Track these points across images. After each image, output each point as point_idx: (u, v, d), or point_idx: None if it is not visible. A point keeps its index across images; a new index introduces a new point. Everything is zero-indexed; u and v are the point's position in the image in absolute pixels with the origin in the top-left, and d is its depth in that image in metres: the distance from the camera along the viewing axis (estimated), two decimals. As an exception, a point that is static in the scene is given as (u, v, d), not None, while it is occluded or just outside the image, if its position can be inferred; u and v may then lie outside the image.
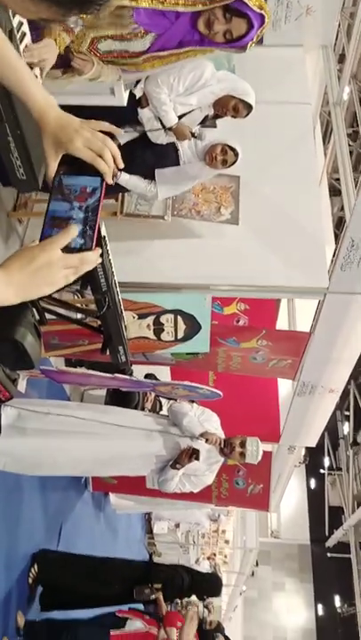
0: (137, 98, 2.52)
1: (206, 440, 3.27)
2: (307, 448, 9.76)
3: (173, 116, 2.64)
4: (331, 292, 3.10)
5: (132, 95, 2.49)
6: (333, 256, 3.26)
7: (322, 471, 13.58)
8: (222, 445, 3.54)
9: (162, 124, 2.65)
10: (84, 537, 5.09)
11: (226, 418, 3.76)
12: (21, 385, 3.60)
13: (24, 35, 1.30)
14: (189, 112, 2.72)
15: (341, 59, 5.43)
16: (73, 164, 0.94)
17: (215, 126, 3.62)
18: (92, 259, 0.84)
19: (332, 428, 12.60)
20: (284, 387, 4.68)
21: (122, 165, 0.94)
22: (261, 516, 11.25)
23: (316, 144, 4.26)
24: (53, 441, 3.12)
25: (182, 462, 3.24)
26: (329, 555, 12.43)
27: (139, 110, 2.60)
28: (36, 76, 1.43)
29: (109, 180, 0.94)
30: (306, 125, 3.93)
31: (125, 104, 2.25)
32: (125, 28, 1.74)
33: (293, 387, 4.03)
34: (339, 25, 4.28)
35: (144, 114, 2.64)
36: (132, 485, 5.03)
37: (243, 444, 3.52)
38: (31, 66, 1.44)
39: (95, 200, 0.89)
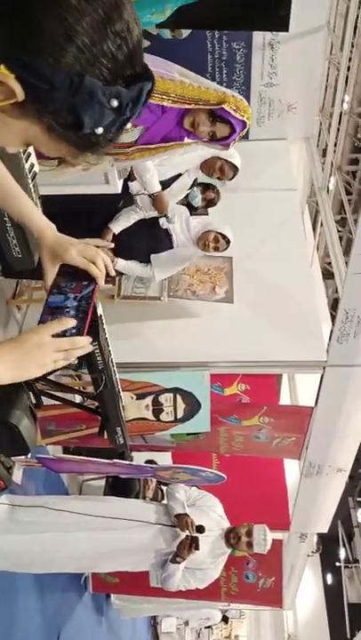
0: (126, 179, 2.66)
1: (178, 521, 3.10)
2: (320, 537, 9.25)
3: (156, 184, 2.77)
4: (330, 366, 3.09)
5: (126, 186, 2.64)
6: (331, 332, 3.28)
7: (338, 564, 12.75)
8: (228, 536, 3.36)
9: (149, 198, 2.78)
10: (85, 645, 4.68)
11: (231, 504, 3.61)
12: (17, 475, 3.47)
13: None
14: (178, 176, 2.86)
15: (325, 152, 5.82)
16: (68, 274, 1.02)
17: (207, 214, 3.81)
18: (82, 343, 0.88)
19: (345, 516, 11.99)
20: (291, 470, 4.52)
21: (113, 273, 1.03)
22: (277, 617, 10.42)
23: (305, 228, 4.44)
24: (50, 535, 2.97)
25: (182, 555, 3.06)
26: (353, 661, 11.36)
27: (129, 183, 2.76)
28: (30, 154, 1.51)
29: (101, 283, 1.02)
30: (293, 210, 4.13)
31: (120, 191, 2.37)
32: None
33: (300, 468, 3.89)
34: (321, 123, 4.61)
35: (133, 186, 2.79)
36: (135, 584, 4.70)
37: (249, 533, 3.35)
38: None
39: (89, 292, 0.97)
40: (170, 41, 3.49)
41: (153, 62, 1.89)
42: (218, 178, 3.00)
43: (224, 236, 2.97)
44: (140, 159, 2.05)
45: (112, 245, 2.10)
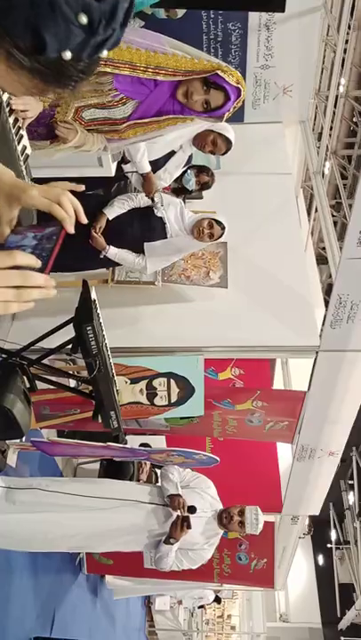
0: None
1: (171, 501, 3.13)
2: (312, 520, 9.37)
3: (146, 165, 2.74)
4: (322, 351, 3.10)
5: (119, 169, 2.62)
6: (324, 317, 3.29)
7: (329, 545, 12.94)
8: (221, 516, 3.40)
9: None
10: (80, 623, 4.75)
11: (224, 487, 3.64)
12: (12, 458, 3.50)
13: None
14: (172, 154, 2.83)
15: (321, 135, 5.78)
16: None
17: (201, 197, 3.79)
18: (38, 280, 0.71)
19: (336, 499, 12.14)
20: (284, 454, 4.56)
21: (85, 219, 0.89)
22: (269, 597, 10.61)
23: (299, 212, 4.43)
24: (44, 515, 3.00)
25: (175, 535, 3.09)
26: (343, 638, 11.58)
27: (122, 166, 2.72)
28: (20, 127, 1.49)
29: (70, 229, 0.85)
30: (288, 194, 4.10)
31: (113, 174, 2.35)
32: (106, 95, 1.85)
33: (293, 451, 3.93)
34: (316, 106, 4.57)
35: (126, 168, 2.76)
36: (129, 566, 4.77)
37: (242, 513, 3.39)
38: (16, 117, 1.49)
39: (52, 231, 0.82)
40: (164, 21, 3.43)
41: (143, 35, 1.86)
42: (211, 152, 2.96)
43: (219, 222, 2.95)
44: (133, 137, 2.02)
45: (82, 187, 2.04)
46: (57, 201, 0.86)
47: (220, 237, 2.99)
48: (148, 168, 2.75)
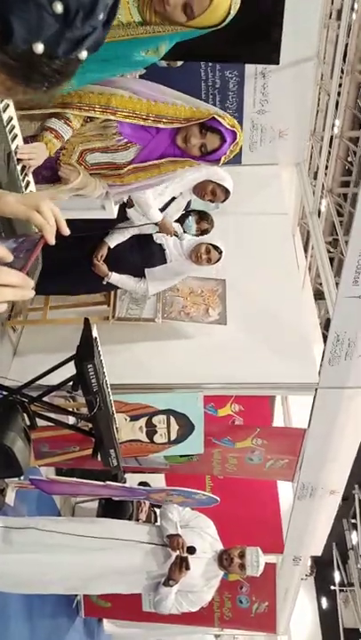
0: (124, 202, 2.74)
1: (170, 542, 3.09)
2: (314, 561, 9.15)
3: (158, 215, 2.86)
4: (321, 388, 3.11)
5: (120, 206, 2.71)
6: (323, 354, 3.32)
7: (333, 588, 12.57)
8: (221, 557, 3.35)
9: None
10: (76, 672, 4.59)
11: (224, 526, 3.59)
12: (10, 497, 3.46)
13: (7, 106, 1.38)
14: (173, 199, 2.94)
15: (316, 175, 5.93)
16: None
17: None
18: (13, 278, 0.64)
19: (339, 539, 11.86)
20: (285, 492, 4.51)
21: (66, 231, 0.84)
22: (271, 643, 10.20)
23: (296, 250, 4.51)
24: (41, 556, 2.96)
25: (175, 577, 3.04)
26: None
27: (127, 210, 2.82)
28: (24, 167, 1.55)
29: (50, 237, 0.79)
30: (285, 233, 4.20)
31: (115, 216, 2.42)
32: (110, 140, 1.93)
33: (293, 490, 3.89)
34: (312, 147, 4.72)
35: (132, 213, 2.86)
36: (128, 609, 4.64)
37: (242, 555, 3.33)
38: (24, 165, 1.55)
39: (32, 239, 0.77)
40: (165, 69, 3.58)
41: (146, 87, 1.96)
42: (210, 200, 3.08)
43: (216, 247, 3.03)
44: (134, 182, 2.09)
45: (65, 198, 2.04)
46: (36, 208, 0.79)
47: (217, 261, 3.08)
48: (160, 216, 2.88)
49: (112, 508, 4.16)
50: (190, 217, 3.31)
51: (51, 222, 0.80)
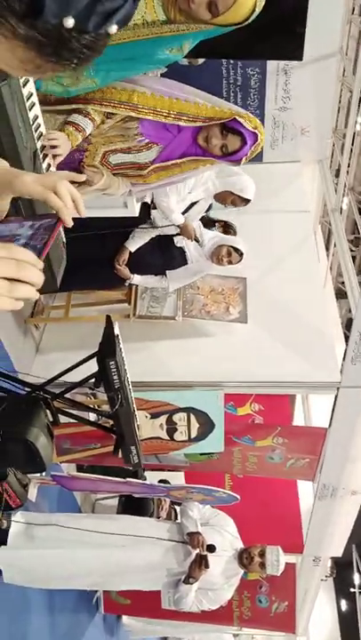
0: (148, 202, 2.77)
1: (190, 539, 3.09)
2: (334, 561, 9.07)
3: (180, 217, 2.90)
4: (343, 387, 3.08)
5: (144, 203, 2.73)
6: (345, 353, 3.28)
7: (352, 590, 12.45)
8: (241, 556, 3.34)
9: None
10: (95, 666, 4.63)
11: (244, 525, 3.58)
12: (32, 493, 3.49)
13: (33, 104, 1.39)
14: (196, 202, 2.96)
15: (338, 172, 5.87)
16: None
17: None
18: (33, 275, 0.61)
19: (360, 541, 11.74)
20: (305, 492, 4.48)
21: (84, 212, 0.82)
22: (290, 643, 10.13)
23: (318, 248, 4.47)
24: (62, 551, 2.99)
25: (195, 575, 3.04)
26: None
27: (151, 211, 2.85)
28: (49, 165, 1.56)
29: (67, 219, 0.76)
30: (306, 231, 4.16)
31: (137, 214, 2.43)
32: (132, 140, 1.95)
33: (314, 490, 3.86)
34: (333, 144, 4.67)
35: (155, 214, 2.91)
36: (147, 606, 4.65)
37: (262, 554, 3.32)
38: (45, 154, 1.57)
39: (49, 222, 0.74)
40: (185, 67, 3.58)
41: (167, 85, 1.96)
42: (232, 204, 3.13)
43: (237, 249, 3.03)
44: (156, 181, 2.10)
45: (83, 177, 2.08)
46: (53, 189, 0.76)
47: (238, 263, 3.09)
48: (182, 219, 2.92)
49: (133, 506, 4.17)
50: (216, 226, 3.33)
51: (68, 204, 0.77)
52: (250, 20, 1.61)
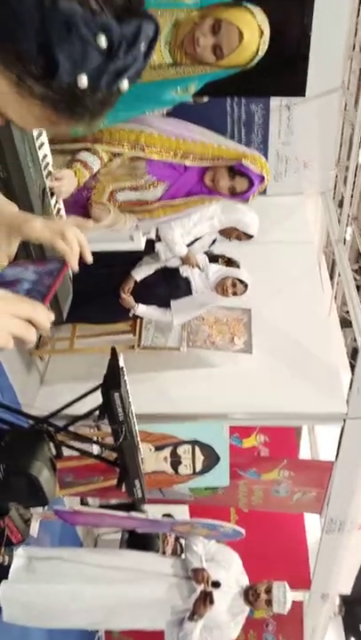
0: (153, 238, 2.80)
1: (194, 575, 3.02)
2: (342, 598, 8.82)
3: (183, 249, 2.94)
4: (350, 418, 3.05)
5: (148, 240, 2.77)
6: (351, 383, 3.26)
7: (362, 627, 12.06)
8: (247, 593, 3.25)
9: None
10: None
11: (249, 560, 3.50)
12: (34, 527, 3.44)
13: (42, 144, 1.42)
14: (199, 238, 3.01)
15: (342, 203, 5.94)
16: None
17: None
18: (43, 321, 0.63)
19: (368, 575, 11.45)
20: (312, 526, 4.39)
21: (90, 259, 0.83)
22: None
23: (322, 277, 4.49)
24: (64, 586, 2.93)
25: (199, 611, 2.96)
26: None
27: (155, 244, 2.90)
28: (57, 202, 1.58)
29: (73, 263, 0.78)
30: (310, 262, 4.19)
31: (143, 248, 2.46)
32: (140, 179, 1.98)
33: (321, 524, 3.79)
34: (337, 176, 4.74)
35: (159, 246, 2.96)
36: (150, 644, 4.53)
37: (269, 590, 3.24)
38: (52, 191, 1.59)
39: (54, 267, 0.76)
40: (190, 105, 3.66)
41: (173, 124, 2.00)
42: (237, 238, 3.18)
43: (242, 281, 3.05)
44: (163, 216, 2.13)
45: (91, 224, 2.08)
46: (61, 234, 0.79)
47: (243, 294, 3.10)
48: (185, 251, 2.97)
49: (136, 542, 4.08)
50: (220, 261, 3.37)
51: (74, 250, 0.79)
52: (253, 63, 1.65)
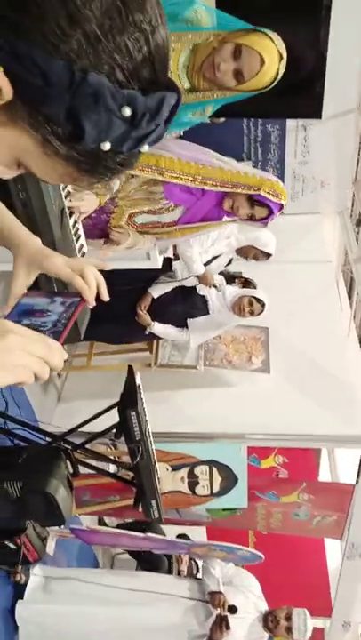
0: (171, 257, 2.83)
1: (211, 599, 2.96)
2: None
3: (201, 268, 2.96)
4: (370, 440, 3.00)
5: (166, 259, 2.79)
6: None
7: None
8: (266, 619, 3.18)
9: None
10: None
11: (268, 585, 3.43)
12: (50, 546, 3.42)
13: (66, 184, 1.45)
14: (217, 256, 3.01)
15: (359, 222, 5.92)
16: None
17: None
18: (57, 361, 0.66)
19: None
20: (332, 551, 4.29)
21: (107, 297, 0.87)
22: None
23: (340, 296, 4.46)
24: (80, 608, 2.90)
25: (216, 637, 2.90)
26: None
27: (173, 262, 2.90)
28: (75, 222, 1.61)
29: (90, 299, 0.83)
30: (328, 281, 4.17)
31: (160, 266, 2.48)
32: (157, 203, 2.00)
33: (342, 549, 3.69)
34: (354, 195, 4.74)
35: (177, 265, 2.96)
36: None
37: (288, 617, 3.15)
38: (71, 211, 1.62)
39: (74, 302, 0.79)
40: (207, 125, 3.71)
41: (189, 149, 2.03)
42: (254, 258, 3.19)
43: (259, 300, 3.04)
44: (181, 237, 2.16)
45: (109, 267, 2.11)
46: (80, 273, 0.84)
47: (260, 314, 3.09)
48: (202, 270, 3.00)
49: (151, 559, 4.03)
50: (236, 282, 3.38)
51: (92, 289, 0.84)
52: (272, 86, 1.68)
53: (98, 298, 0.86)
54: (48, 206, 1.39)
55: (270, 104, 2.37)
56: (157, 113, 0.53)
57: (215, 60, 1.65)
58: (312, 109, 2.48)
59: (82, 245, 1.62)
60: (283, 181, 2.25)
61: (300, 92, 2.39)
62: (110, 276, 0.93)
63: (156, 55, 0.52)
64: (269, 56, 1.63)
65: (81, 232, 1.64)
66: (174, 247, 2.85)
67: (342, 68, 3.60)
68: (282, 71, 1.66)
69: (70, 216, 1.56)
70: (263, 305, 3.05)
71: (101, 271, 0.90)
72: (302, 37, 2.75)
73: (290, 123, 4.03)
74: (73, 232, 1.56)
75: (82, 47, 0.48)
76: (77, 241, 1.58)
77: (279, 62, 1.66)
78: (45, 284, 1.02)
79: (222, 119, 3.62)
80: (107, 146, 0.53)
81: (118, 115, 0.51)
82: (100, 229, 2.02)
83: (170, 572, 4.09)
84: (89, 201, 1.74)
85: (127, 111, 0.51)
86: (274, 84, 1.67)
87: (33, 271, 0.86)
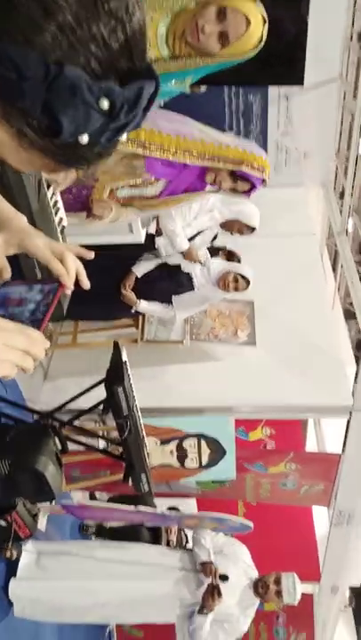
0: (153, 233, 2.78)
1: (202, 568, 3.02)
2: (353, 591, 8.81)
3: (185, 243, 2.91)
4: (356, 410, 3.03)
5: (148, 235, 2.76)
6: (356, 374, 3.24)
7: (373, 620, 12.05)
8: (257, 585, 3.25)
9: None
10: None
11: (258, 553, 3.50)
12: (41, 522, 3.45)
13: None
14: (201, 232, 2.97)
15: (343, 194, 5.90)
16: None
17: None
18: (39, 352, 0.66)
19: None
20: (320, 518, 4.38)
21: (87, 285, 0.86)
22: None
23: (325, 269, 4.47)
24: (75, 583, 2.94)
25: (208, 605, 2.96)
26: None
27: (155, 238, 2.85)
28: (53, 194, 1.58)
29: (69, 284, 0.81)
30: (313, 254, 4.17)
31: (143, 240, 2.45)
32: (138, 177, 1.97)
33: (329, 516, 3.77)
34: (337, 167, 4.71)
35: (160, 241, 2.91)
36: (161, 639, 4.54)
37: (278, 582, 3.23)
38: (48, 183, 1.58)
39: (52, 288, 0.78)
40: (188, 95, 3.64)
41: (170, 119, 1.99)
42: (238, 232, 3.14)
43: (243, 277, 3.03)
44: (164, 207, 2.13)
45: (92, 255, 2.10)
46: (60, 257, 0.83)
47: (244, 290, 3.06)
48: (186, 245, 2.95)
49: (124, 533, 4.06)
50: (220, 254, 3.35)
51: (71, 274, 0.83)
52: (254, 53, 1.64)
53: (77, 283, 0.85)
54: (24, 177, 1.36)
55: (251, 71, 2.32)
56: (136, 103, 0.52)
57: (199, 23, 1.60)
58: (294, 76, 2.45)
59: (61, 219, 1.59)
60: (266, 152, 2.22)
61: (282, 59, 2.35)
62: (93, 254, 0.91)
63: (133, 42, 0.50)
64: (255, 18, 1.59)
65: (60, 205, 1.60)
66: (157, 222, 2.81)
67: (325, 35, 3.53)
68: (265, 36, 1.63)
69: (48, 188, 1.53)
70: (248, 282, 3.04)
71: (83, 246, 0.88)
72: (284, 4, 2.69)
73: (272, 92, 3.97)
74: (52, 204, 1.53)
75: (56, 39, 0.46)
76: (56, 214, 1.55)
77: (263, 26, 1.62)
78: (29, 271, 0.99)
79: (203, 88, 3.56)
80: (85, 139, 0.51)
81: (96, 108, 0.50)
82: (81, 203, 1.99)
83: (158, 542, 4.15)
84: (66, 172, 1.71)
85: (105, 104, 0.50)
86: (258, 49, 1.64)
87: (11, 247, 0.84)
